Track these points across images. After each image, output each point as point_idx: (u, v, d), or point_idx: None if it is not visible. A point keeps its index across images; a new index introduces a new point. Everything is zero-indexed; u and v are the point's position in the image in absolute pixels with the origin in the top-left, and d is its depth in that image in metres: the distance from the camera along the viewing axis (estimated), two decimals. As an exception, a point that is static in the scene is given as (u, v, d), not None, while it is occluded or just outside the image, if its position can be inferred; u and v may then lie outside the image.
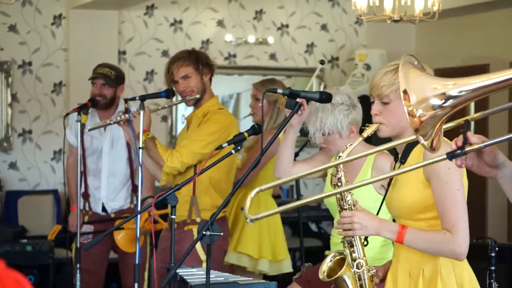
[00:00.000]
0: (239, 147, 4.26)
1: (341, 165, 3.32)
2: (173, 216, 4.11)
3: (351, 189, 3.19)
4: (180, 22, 9.14)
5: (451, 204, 3.03)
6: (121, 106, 5.80)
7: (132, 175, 5.85)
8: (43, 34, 8.65)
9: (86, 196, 5.85)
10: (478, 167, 2.31)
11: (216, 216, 3.66)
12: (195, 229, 4.96)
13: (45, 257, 7.29)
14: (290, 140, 4.26)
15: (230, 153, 4.27)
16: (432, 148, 2.04)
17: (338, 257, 3.27)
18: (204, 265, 4.76)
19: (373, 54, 9.13)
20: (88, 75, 5.85)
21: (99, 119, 5.82)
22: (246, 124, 5.42)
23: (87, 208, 5.86)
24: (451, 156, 2.11)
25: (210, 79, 5.13)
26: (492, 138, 2.10)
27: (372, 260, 3.62)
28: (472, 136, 2.14)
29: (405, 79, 2.01)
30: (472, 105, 7.13)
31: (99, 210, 5.85)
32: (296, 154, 6.44)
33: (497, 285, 4.91)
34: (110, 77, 5.76)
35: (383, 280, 3.36)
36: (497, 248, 5.03)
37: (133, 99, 5.01)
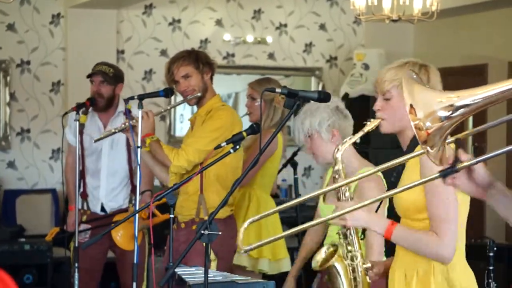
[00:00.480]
0: (237, 146, 4.26)
1: (340, 157, 3.31)
2: (171, 215, 4.11)
3: (348, 183, 3.18)
4: (179, 21, 9.14)
5: (442, 207, 3.03)
6: (121, 107, 5.79)
7: (132, 175, 5.84)
8: (41, 33, 8.65)
9: (84, 195, 5.84)
10: (468, 186, 2.33)
11: (215, 215, 3.65)
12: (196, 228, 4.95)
13: (43, 256, 7.29)
14: None
15: (228, 152, 4.27)
16: (440, 161, 2.06)
17: (332, 249, 3.29)
18: (215, 265, 4.77)
19: (371, 53, 9.13)
20: (86, 74, 5.85)
21: (99, 120, 5.81)
22: (244, 124, 5.42)
23: (85, 208, 5.85)
24: (443, 174, 2.13)
25: (211, 78, 5.12)
26: (484, 154, 2.12)
27: None
28: (462, 154, 2.16)
29: (410, 94, 2.03)
30: (470, 118, 7.13)
31: (98, 210, 5.84)
32: (295, 154, 6.45)
33: (495, 284, 4.92)
34: (108, 74, 5.73)
35: (382, 275, 3.37)
36: (495, 248, 5.03)
37: (132, 98, 5.00)
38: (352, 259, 3.28)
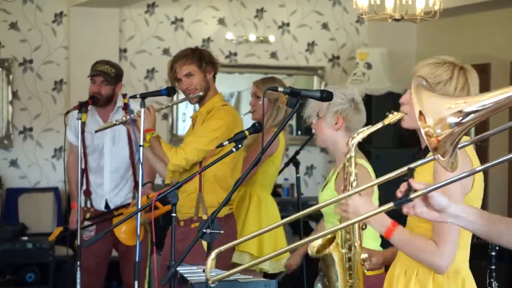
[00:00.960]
0: (239, 145, 4.26)
1: (354, 145, 3.27)
2: (173, 214, 4.11)
3: (352, 194, 3.16)
4: (181, 20, 9.14)
5: None
6: (120, 102, 5.81)
7: (134, 170, 5.86)
8: (44, 32, 8.66)
9: (87, 193, 5.85)
10: (427, 213, 2.34)
11: (217, 214, 3.65)
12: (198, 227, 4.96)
13: (46, 254, 7.30)
14: None
15: (231, 151, 4.27)
16: (452, 167, 2.06)
17: (329, 236, 3.27)
18: (214, 262, 4.77)
19: (374, 53, 9.13)
20: (88, 73, 5.85)
21: (98, 116, 5.82)
22: (245, 122, 5.42)
23: (88, 206, 5.86)
24: (397, 203, 2.15)
25: (214, 77, 5.12)
26: (436, 182, 2.14)
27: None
28: (415, 183, 2.17)
29: (419, 101, 2.02)
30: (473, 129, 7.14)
31: (102, 207, 5.85)
32: (297, 153, 6.45)
33: (497, 284, 4.91)
34: (110, 74, 5.75)
35: (380, 266, 3.36)
36: (497, 247, 5.03)
37: (134, 97, 5.01)
38: (349, 248, 3.27)
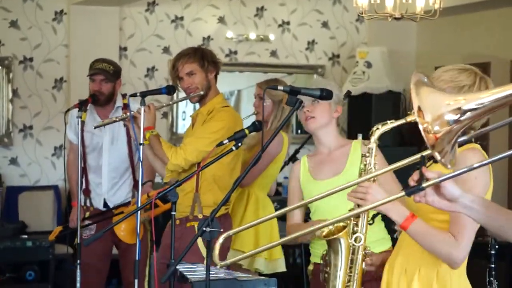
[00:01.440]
0: (239, 144, 4.26)
1: (375, 137, 3.27)
2: (173, 213, 4.11)
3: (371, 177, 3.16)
4: (181, 18, 9.14)
5: None
6: (119, 102, 5.82)
7: (133, 170, 5.86)
8: (44, 30, 8.66)
9: (87, 192, 5.86)
10: (439, 202, 2.33)
11: (216, 213, 3.66)
12: (197, 225, 4.96)
13: (46, 253, 7.30)
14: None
15: (231, 150, 4.27)
16: (450, 164, 2.05)
17: (340, 224, 3.28)
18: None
19: (374, 51, 9.12)
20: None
21: (97, 116, 5.83)
22: (247, 124, 5.42)
23: (88, 205, 5.87)
24: (409, 192, 2.13)
25: (216, 77, 5.12)
26: (449, 173, 2.11)
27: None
28: (427, 172, 2.16)
29: (418, 96, 2.01)
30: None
31: (100, 206, 5.86)
32: (296, 152, 6.45)
33: (496, 282, 4.92)
34: (109, 72, 5.78)
35: (376, 268, 3.36)
36: (497, 246, 5.03)
37: (134, 95, 5.01)
38: (355, 240, 3.28)
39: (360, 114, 8.75)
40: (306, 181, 4.30)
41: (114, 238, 5.63)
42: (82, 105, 5.53)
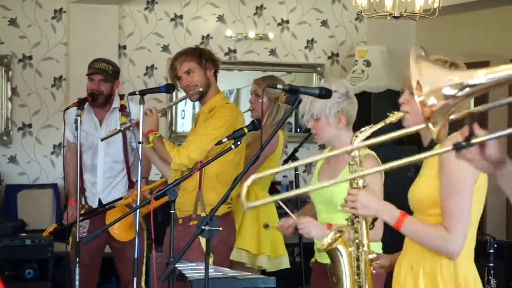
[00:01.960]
0: (238, 142, 4.27)
1: (358, 154, 3.30)
2: (172, 211, 4.11)
3: (363, 175, 3.18)
4: (181, 17, 9.14)
5: (455, 203, 3.04)
6: (116, 103, 5.84)
7: (128, 170, 5.87)
8: (43, 28, 8.66)
9: (82, 191, 5.87)
10: (479, 162, 2.31)
11: (216, 211, 3.66)
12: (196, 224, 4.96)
13: (45, 251, 7.30)
14: None
15: (230, 148, 4.27)
16: (439, 138, 2.05)
17: (338, 234, 3.28)
18: (211, 261, 4.78)
19: (373, 50, 9.12)
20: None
21: (94, 116, 5.85)
22: (247, 120, 5.43)
23: (83, 203, 5.89)
24: (457, 148, 2.10)
25: (215, 75, 5.12)
26: (495, 132, 2.10)
27: None
28: (477, 129, 2.14)
29: (417, 70, 2.01)
30: (472, 100, 7.14)
31: (95, 205, 5.87)
32: (296, 150, 6.46)
33: (495, 281, 4.93)
34: (108, 72, 5.78)
35: (387, 269, 3.37)
36: (495, 245, 5.04)
37: (133, 93, 5.01)
38: (357, 247, 3.28)
39: (360, 113, 8.73)
40: (313, 183, 4.35)
41: (108, 238, 5.64)
42: (81, 104, 5.53)
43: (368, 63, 9.01)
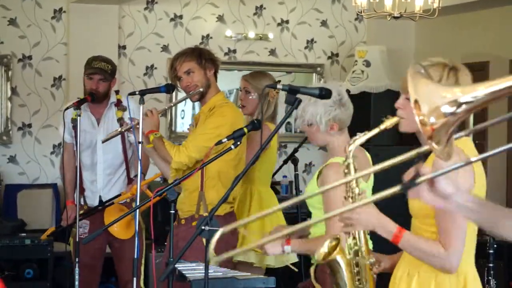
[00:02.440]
0: (238, 142, 4.27)
1: (351, 152, 3.28)
2: (172, 211, 4.11)
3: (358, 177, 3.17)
4: (181, 17, 9.14)
5: (449, 218, 3.02)
6: (113, 98, 5.86)
7: (127, 166, 5.88)
8: (43, 28, 8.66)
9: (81, 190, 5.87)
10: (433, 200, 2.33)
11: (215, 211, 3.66)
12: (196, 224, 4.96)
13: (44, 251, 7.30)
14: None
15: (229, 148, 4.27)
16: (446, 156, 2.05)
17: (334, 243, 3.27)
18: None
19: (373, 50, 9.12)
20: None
21: (91, 113, 5.86)
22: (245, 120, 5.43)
23: (82, 203, 5.88)
24: (404, 187, 2.13)
25: (215, 75, 5.12)
26: (442, 168, 2.11)
27: None
28: (422, 168, 2.16)
29: (415, 89, 2.01)
30: (471, 116, 7.12)
31: (95, 203, 5.87)
32: (296, 150, 6.46)
33: (495, 282, 4.93)
34: (107, 71, 5.80)
35: (388, 271, 3.36)
36: (495, 245, 5.04)
37: (133, 93, 5.02)
38: (356, 254, 3.27)
39: (359, 113, 8.72)
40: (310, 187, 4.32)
41: (108, 237, 5.65)
42: (81, 104, 5.54)
43: (367, 63, 9.01)
